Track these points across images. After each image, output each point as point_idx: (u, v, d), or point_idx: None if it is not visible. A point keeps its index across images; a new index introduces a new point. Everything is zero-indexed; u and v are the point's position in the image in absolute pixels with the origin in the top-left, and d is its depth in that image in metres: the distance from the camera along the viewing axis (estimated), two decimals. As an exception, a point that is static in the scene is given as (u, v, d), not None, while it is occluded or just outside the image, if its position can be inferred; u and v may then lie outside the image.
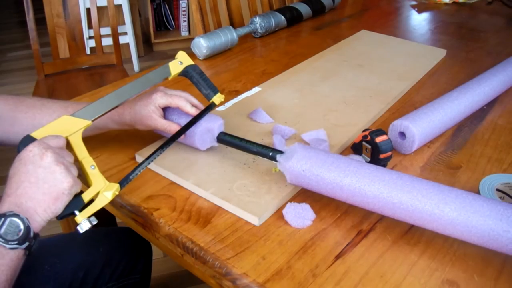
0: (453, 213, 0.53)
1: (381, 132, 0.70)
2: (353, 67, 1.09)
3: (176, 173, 0.69)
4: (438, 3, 1.73)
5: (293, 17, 1.40)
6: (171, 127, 0.71)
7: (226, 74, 1.08)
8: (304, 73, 1.06)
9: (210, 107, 0.73)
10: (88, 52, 2.49)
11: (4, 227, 0.47)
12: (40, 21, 1.61)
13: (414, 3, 1.74)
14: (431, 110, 0.80)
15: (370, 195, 0.57)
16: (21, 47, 3.26)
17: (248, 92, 0.96)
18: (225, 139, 0.71)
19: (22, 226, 0.48)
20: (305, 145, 0.65)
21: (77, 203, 0.54)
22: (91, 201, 0.57)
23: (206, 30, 1.34)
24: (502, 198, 0.64)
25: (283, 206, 0.63)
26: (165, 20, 3.27)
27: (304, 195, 0.67)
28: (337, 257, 0.57)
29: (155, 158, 0.65)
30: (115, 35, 1.74)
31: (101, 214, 0.57)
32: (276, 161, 0.64)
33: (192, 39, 1.14)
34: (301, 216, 0.62)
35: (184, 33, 3.22)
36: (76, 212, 0.54)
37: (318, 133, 0.78)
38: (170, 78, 0.72)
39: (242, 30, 1.25)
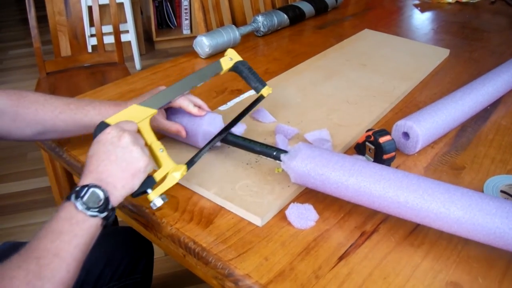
0: (459, 212, 0.53)
1: (384, 132, 0.70)
2: (356, 67, 1.09)
3: (178, 172, 0.69)
4: (441, 3, 1.72)
5: (296, 16, 1.39)
6: (172, 127, 0.71)
7: (228, 73, 1.07)
8: (306, 72, 1.06)
9: (259, 100, 0.79)
10: (89, 50, 2.49)
11: (87, 195, 0.51)
12: (42, 19, 1.61)
13: (417, 2, 1.73)
14: (435, 110, 0.80)
15: (376, 194, 0.57)
16: (23, 45, 3.26)
17: (250, 91, 0.95)
18: (228, 138, 0.70)
19: (102, 197, 0.52)
20: (309, 144, 0.65)
21: (150, 182, 0.59)
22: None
23: (208, 29, 1.33)
24: (506, 199, 0.63)
25: (286, 207, 0.63)
26: (167, 18, 3.27)
27: (307, 195, 0.67)
28: (340, 258, 0.57)
29: (218, 140, 0.70)
30: (117, 33, 1.73)
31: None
32: (280, 160, 0.64)
33: (194, 37, 1.14)
34: (304, 216, 0.61)
35: (186, 31, 3.21)
36: (149, 190, 0.59)
37: (321, 133, 0.78)
38: (221, 73, 0.77)
39: (245, 29, 1.24)
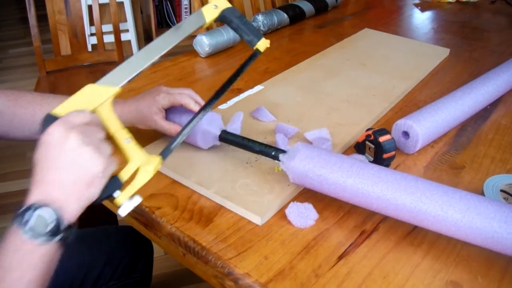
0: (457, 215, 0.52)
1: (384, 131, 0.70)
2: (356, 66, 1.09)
3: (178, 171, 0.69)
4: (441, 2, 1.72)
5: (296, 15, 1.39)
6: (172, 129, 0.71)
7: (228, 72, 1.07)
8: (306, 71, 1.05)
9: (255, 55, 0.65)
10: (89, 49, 2.48)
11: (32, 220, 0.42)
12: (42, 18, 1.61)
13: (417, 1, 1.73)
14: (435, 109, 0.80)
15: (374, 196, 0.57)
16: (23, 44, 3.26)
17: (250, 90, 0.95)
18: (227, 137, 0.70)
19: (52, 218, 0.43)
20: (308, 145, 0.65)
21: (114, 184, 0.49)
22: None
23: (208, 28, 1.33)
24: (506, 199, 0.64)
25: (286, 206, 0.63)
26: (166, 17, 3.26)
27: (307, 194, 0.67)
28: (340, 257, 0.57)
29: (194, 124, 0.61)
30: (116, 32, 1.73)
31: (101, 213, 0.57)
32: (279, 160, 0.64)
33: (194, 36, 1.14)
34: (304, 215, 0.61)
35: (185, 30, 3.21)
36: (115, 194, 0.49)
37: (321, 132, 0.78)
38: (205, 25, 0.62)
39: (245, 28, 1.24)
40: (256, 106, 0.87)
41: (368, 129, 0.72)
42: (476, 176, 0.73)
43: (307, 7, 1.44)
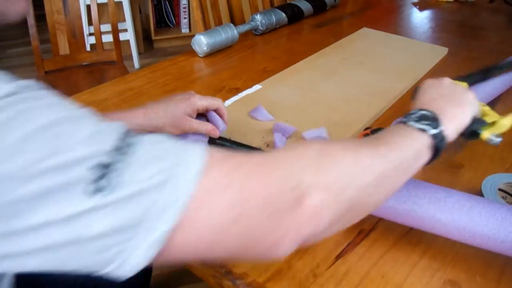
0: (454, 219, 0.52)
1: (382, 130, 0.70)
2: (354, 65, 1.09)
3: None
4: (439, 1, 1.72)
5: (294, 14, 1.39)
6: (206, 126, 0.70)
7: (227, 71, 1.07)
8: (305, 70, 1.05)
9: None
10: (88, 48, 2.48)
11: (417, 114, 0.50)
12: (40, 17, 1.61)
13: (415, 1, 1.73)
14: (433, 108, 0.80)
15: None
16: (21, 43, 3.25)
17: (248, 89, 0.95)
18: (215, 141, 0.71)
19: (431, 116, 0.50)
20: None
21: (480, 122, 0.57)
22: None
23: (206, 27, 1.33)
24: (504, 197, 0.64)
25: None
26: (165, 17, 3.26)
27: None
28: (338, 257, 0.57)
29: None
30: (115, 32, 1.73)
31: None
32: None
33: (193, 36, 1.14)
34: (301, 215, 0.61)
35: (184, 30, 3.21)
36: (479, 131, 0.57)
37: (319, 131, 0.78)
38: None
39: (243, 27, 1.24)
40: (254, 105, 0.87)
41: (366, 128, 0.72)
42: (475, 175, 0.73)
43: (306, 7, 1.44)
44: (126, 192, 0.30)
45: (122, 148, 0.32)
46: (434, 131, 0.49)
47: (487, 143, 0.58)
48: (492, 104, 0.94)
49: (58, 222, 0.29)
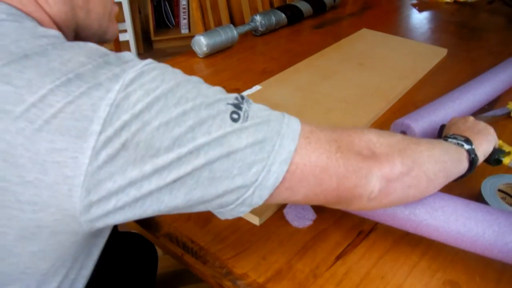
0: (451, 229, 0.53)
1: (382, 131, 0.70)
2: (354, 66, 1.09)
3: (176, 172, 0.69)
4: (439, 2, 1.72)
5: (294, 15, 1.39)
6: None
7: (227, 72, 1.07)
8: (304, 71, 1.06)
9: None
10: (87, 49, 2.48)
11: (450, 137, 0.60)
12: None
13: (415, 2, 1.74)
14: (433, 109, 0.80)
15: None
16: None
17: (248, 90, 0.95)
18: None
19: (467, 147, 0.58)
20: None
21: (500, 152, 0.68)
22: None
23: (206, 28, 1.33)
24: (504, 198, 0.64)
25: (284, 206, 0.63)
26: (165, 17, 3.26)
27: (304, 194, 0.67)
28: (338, 257, 0.57)
29: None
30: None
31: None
32: None
33: (192, 36, 1.14)
34: (301, 216, 0.61)
35: (184, 30, 3.21)
36: (501, 158, 0.68)
37: (319, 132, 0.78)
38: None
39: (243, 28, 1.24)
40: (254, 106, 0.87)
41: (366, 129, 0.72)
42: (474, 175, 0.72)
43: (305, 8, 1.44)
44: (257, 120, 0.41)
45: (241, 98, 0.43)
46: (468, 147, 0.58)
47: (509, 167, 0.68)
48: (491, 105, 0.94)
49: (212, 142, 0.38)
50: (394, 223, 0.56)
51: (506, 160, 0.68)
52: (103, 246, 0.50)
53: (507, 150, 0.70)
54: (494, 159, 0.67)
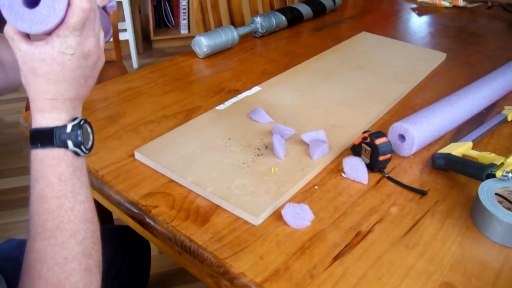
0: None
1: (380, 134, 0.70)
2: (353, 69, 1.09)
3: (175, 171, 0.69)
4: (438, 7, 1.73)
5: (294, 18, 1.40)
6: None
7: (226, 73, 1.08)
8: (304, 73, 1.06)
9: None
10: (87, 48, 2.48)
11: (80, 135, 0.44)
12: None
13: (414, 6, 1.74)
14: (431, 113, 0.80)
15: None
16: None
17: (248, 91, 0.96)
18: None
19: (90, 131, 0.46)
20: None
21: (492, 166, 0.68)
22: None
23: (206, 29, 1.33)
24: (501, 202, 0.64)
25: (282, 206, 0.63)
26: (165, 17, 3.26)
27: (303, 195, 0.67)
28: (335, 258, 0.57)
29: None
30: (115, 32, 1.73)
31: (98, 211, 0.57)
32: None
33: (192, 37, 1.14)
34: (299, 216, 0.61)
35: (183, 31, 3.21)
36: (494, 172, 0.68)
37: (318, 133, 0.78)
38: None
39: (243, 30, 1.25)
40: (253, 107, 0.87)
41: (364, 132, 0.72)
42: (471, 180, 0.73)
43: (305, 10, 1.44)
44: None
45: None
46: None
47: (503, 180, 0.66)
48: (489, 109, 0.94)
49: None
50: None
51: (498, 173, 0.67)
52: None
53: (499, 163, 0.69)
54: (487, 174, 0.67)
